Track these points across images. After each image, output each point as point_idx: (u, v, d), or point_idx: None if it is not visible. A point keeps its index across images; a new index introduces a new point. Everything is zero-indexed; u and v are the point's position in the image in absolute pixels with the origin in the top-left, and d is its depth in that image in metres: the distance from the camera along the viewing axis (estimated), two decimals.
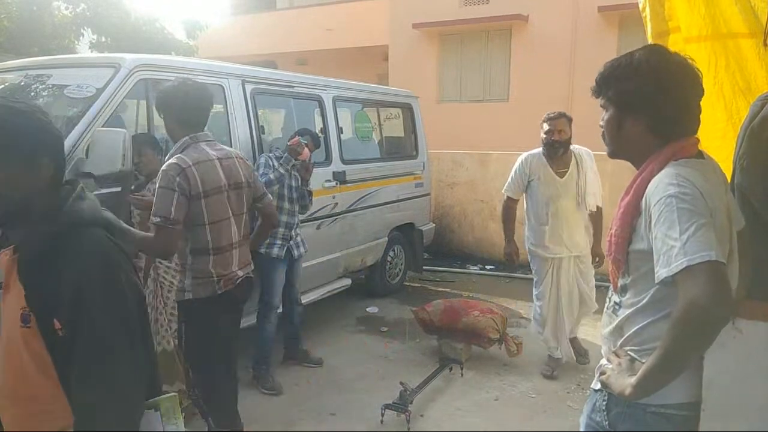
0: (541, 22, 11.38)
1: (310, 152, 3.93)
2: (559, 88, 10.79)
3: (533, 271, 4.08)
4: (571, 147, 3.83)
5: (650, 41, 2.26)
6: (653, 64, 1.39)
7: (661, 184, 1.31)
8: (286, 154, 3.80)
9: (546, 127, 3.76)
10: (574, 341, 4.15)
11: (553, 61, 11.09)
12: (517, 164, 3.96)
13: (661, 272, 1.24)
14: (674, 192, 1.27)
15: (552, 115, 3.77)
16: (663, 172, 1.34)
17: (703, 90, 1.42)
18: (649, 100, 1.38)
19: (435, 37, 12.59)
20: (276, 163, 3.79)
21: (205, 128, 2.57)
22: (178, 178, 2.33)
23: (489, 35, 12.11)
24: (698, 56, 2.09)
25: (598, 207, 3.95)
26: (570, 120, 3.78)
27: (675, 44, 2.18)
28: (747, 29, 2.10)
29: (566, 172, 3.82)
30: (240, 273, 2.59)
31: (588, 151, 3.89)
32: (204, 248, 2.46)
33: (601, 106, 1.50)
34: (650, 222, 1.31)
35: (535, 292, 4.08)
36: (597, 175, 3.91)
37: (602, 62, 1.49)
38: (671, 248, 1.22)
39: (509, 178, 4.00)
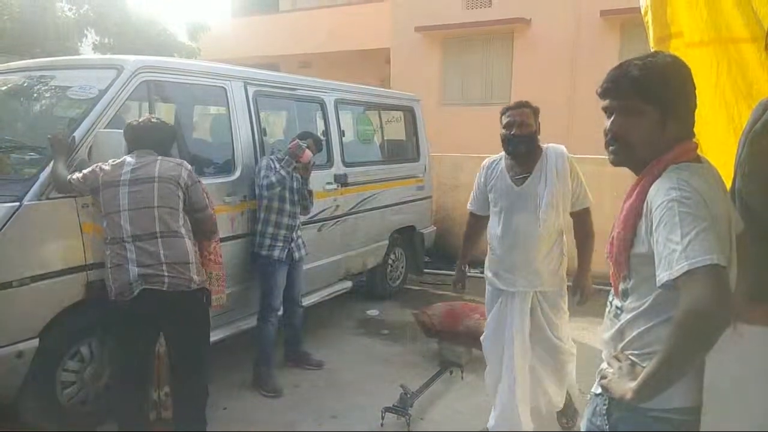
0: (543, 26, 11.41)
1: (312, 155, 3.94)
2: (561, 91, 10.80)
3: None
4: (545, 146, 2.95)
5: (652, 46, 2.26)
6: (664, 65, 1.41)
7: (663, 188, 1.31)
8: (287, 157, 3.80)
9: (504, 119, 2.90)
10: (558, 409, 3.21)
11: (555, 65, 11.10)
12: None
13: (663, 276, 1.24)
14: (676, 196, 1.27)
15: (511, 105, 2.95)
16: (665, 175, 1.35)
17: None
18: (660, 102, 1.39)
19: (437, 41, 12.62)
20: (277, 165, 3.79)
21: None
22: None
23: (491, 39, 12.14)
24: (700, 61, 2.09)
25: (584, 209, 2.98)
26: (535, 111, 2.91)
27: (677, 49, 2.18)
28: (749, 34, 2.10)
29: (527, 177, 2.91)
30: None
31: (559, 149, 2.94)
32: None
33: (604, 109, 1.48)
34: (651, 226, 1.31)
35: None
36: (573, 177, 2.91)
37: (604, 66, 1.49)
38: (672, 252, 1.22)
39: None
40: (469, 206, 3.28)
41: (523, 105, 2.91)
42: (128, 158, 2.79)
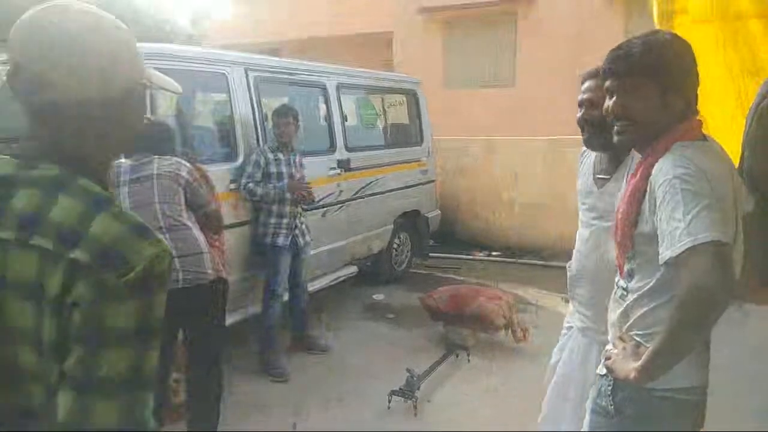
0: (547, 6, 11.26)
1: (295, 131, 3.94)
2: (565, 72, 10.66)
3: None
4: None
5: (656, 23, 2.23)
6: (666, 43, 1.40)
7: (666, 167, 1.30)
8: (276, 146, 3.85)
9: (581, 95, 1.98)
10: None
11: (560, 45, 10.97)
12: None
13: (666, 254, 1.23)
14: (679, 173, 1.26)
15: (583, 73, 1.96)
16: (668, 154, 1.33)
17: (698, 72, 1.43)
18: (664, 79, 1.37)
19: (440, 23, 12.50)
20: (271, 157, 3.81)
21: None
22: None
23: (495, 20, 12.00)
24: (706, 37, 2.06)
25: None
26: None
27: (682, 25, 2.15)
28: (755, 10, 2.06)
29: (609, 179, 1.96)
30: None
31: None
32: None
33: (606, 89, 1.46)
34: (655, 204, 1.30)
35: None
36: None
37: (609, 45, 1.46)
38: (675, 229, 1.21)
39: None
40: None
41: (592, 75, 1.86)
42: (125, 161, 2.77)
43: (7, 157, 0.89)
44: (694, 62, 1.40)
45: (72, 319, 0.78)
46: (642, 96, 1.40)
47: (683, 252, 1.19)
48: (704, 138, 1.41)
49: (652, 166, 1.35)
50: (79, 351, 0.78)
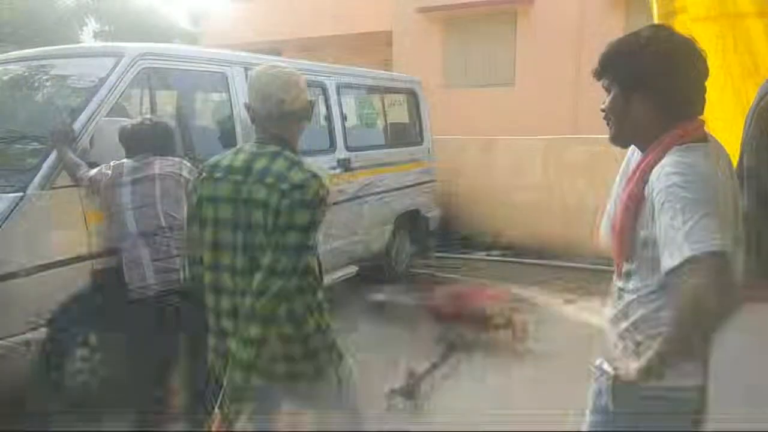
0: (546, 5, 11.26)
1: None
2: (565, 71, 10.68)
3: None
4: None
5: (656, 22, 2.23)
6: (661, 40, 1.36)
7: (665, 172, 1.28)
8: None
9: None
10: None
11: (560, 44, 10.97)
12: None
13: (666, 263, 1.21)
14: (678, 181, 1.24)
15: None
16: (667, 158, 1.31)
17: (708, 70, 1.38)
18: (658, 78, 1.35)
19: (439, 22, 12.49)
20: None
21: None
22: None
23: (494, 19, 11.99)
24: (705, 36, 2.05)
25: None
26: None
27: (681, 24, 2.15)
28: (756, 9, 2.06)
29: None
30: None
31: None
32: None
33: (604, 87, 1.46)
34: (654, 210, 1.29)
35: None
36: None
37: None
38: (675, 238, 1.20)
39: None
40: None
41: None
42: (127, 161, 2.78)
43: (253, 143, 1.79)
44: (688, 61, 1.36)
45: (280, 218, 1.65)
46: (613, 97, 1.41)
47: (683, 261, 1.17)
48: (705, 139, 1.39)
49: (650, 169, 1.34)
50: (282, 232, 1.65)
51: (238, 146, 1.88)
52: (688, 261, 1.16)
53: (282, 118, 1.72)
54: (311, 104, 1.80)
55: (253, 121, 1.80)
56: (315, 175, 1.68)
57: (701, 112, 1.41)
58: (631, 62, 1.37)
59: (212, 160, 1.82)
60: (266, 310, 1.62)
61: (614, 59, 1.41)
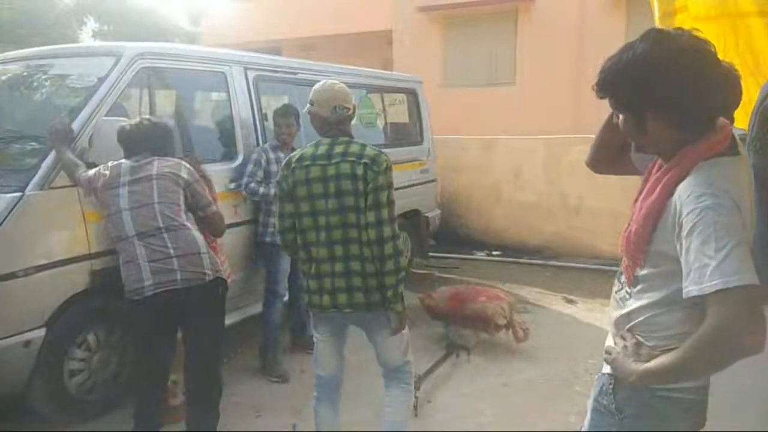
0: (547, 4, 11.25)
1: (297, 130, 3.93)
2: (566, 70, 10.68)
3: None
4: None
5: (657, 22, 2.22)
6: (660, 53, 1.25)
7: (695, 192, 1.22)
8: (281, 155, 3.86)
9: None
10: None
11: (560, 43, 10.96)
12: None
13: (691, 289, 1.19)
14: (711, 203, 1.19)
15: None
16: (695, 175, 1.26)
17: (720, 65, 1.27)
18: (664, 96, 1.26)
19: (439, 21, 12.48)
20: (272, 156, 3.79)
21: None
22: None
23: (495, 18, 11.98)
24: (706, 35, 2.04)
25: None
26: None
27: (682, 24, 2.14)
28: (757, 8, 2.05)
29: None
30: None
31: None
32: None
33: (611, 106, 1.40)
34: (680, 230, 1.24)
35: None
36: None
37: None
38: (705, 266, 1.17)
39: None
40: None
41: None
42: (125, 162, 2.77)
43: (326, 139, 2.39)
44: (694, 69, 1.24)
45: (367, 186, 2.28)
46: (624, 120, 1.36)
47: (712, 292, 1.15)
48: (734, 151, 1.30)
49: (675, 183, 1.28)
50: (375, 192, 2.29)
51: (315, 141, 2.42)
52: (717, 293, 1.15)
53: (347, 120, 2.42)
54: (355, 108, 2.48)
55: (315, 123, 2.43)
56: (381, 151, 2.36)
57: (727, 113, 1.32)
58: (632, 84, 1.29)
59: (295, 153, 2.42)
60: (396, 249, 2.32)
61: (614, 81, 1.32)
